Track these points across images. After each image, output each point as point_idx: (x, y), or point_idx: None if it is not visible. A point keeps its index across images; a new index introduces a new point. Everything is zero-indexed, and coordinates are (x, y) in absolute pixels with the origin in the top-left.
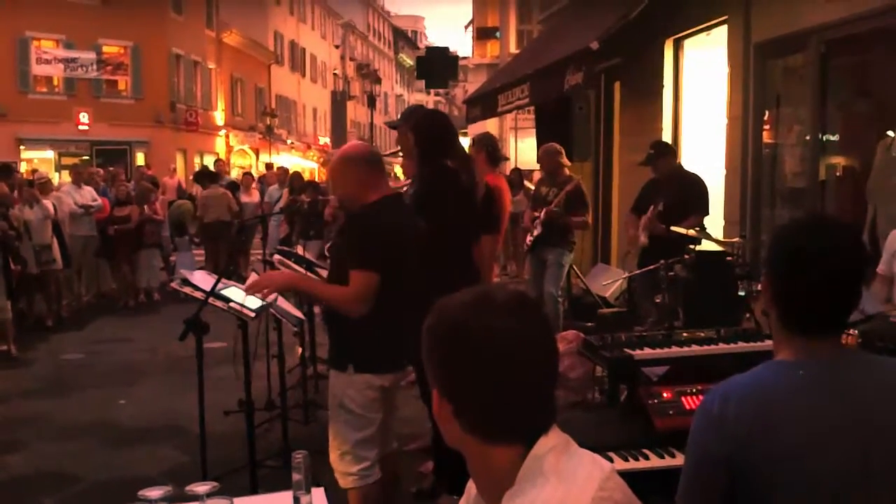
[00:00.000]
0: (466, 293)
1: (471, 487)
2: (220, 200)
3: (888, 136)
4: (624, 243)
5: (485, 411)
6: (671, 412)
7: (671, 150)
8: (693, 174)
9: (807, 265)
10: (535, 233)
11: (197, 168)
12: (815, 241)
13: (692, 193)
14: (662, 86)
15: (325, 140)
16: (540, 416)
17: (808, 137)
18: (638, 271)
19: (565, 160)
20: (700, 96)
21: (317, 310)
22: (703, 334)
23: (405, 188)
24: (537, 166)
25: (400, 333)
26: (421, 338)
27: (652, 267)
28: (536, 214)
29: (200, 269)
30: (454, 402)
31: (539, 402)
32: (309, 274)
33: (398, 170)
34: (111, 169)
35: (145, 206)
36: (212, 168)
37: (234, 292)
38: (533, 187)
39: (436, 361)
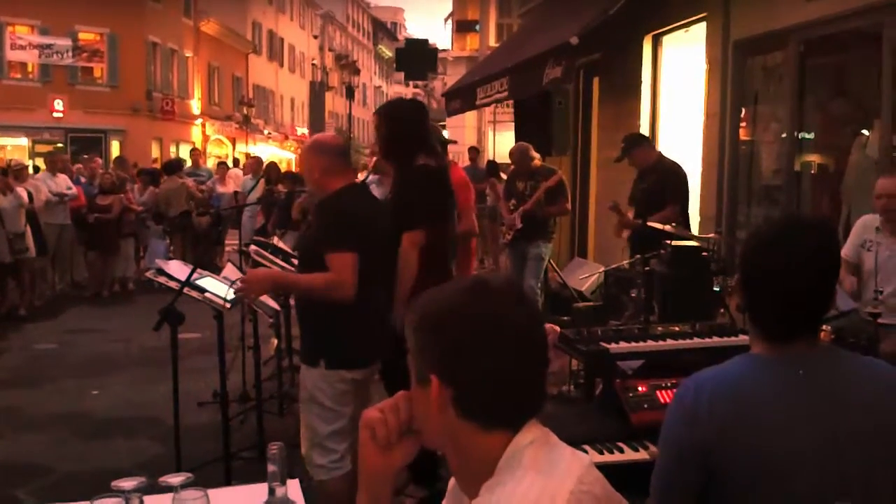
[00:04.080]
0: (460, 281)
1: (451, 481)
2: (179, 192)
3: (863, 135)
4: (602, 238)
5: (488, 397)
6: (646, 406)
7: (644, 140)
8: (671, 162)
9: (774, 280)
10: (516, 228)
11: (173, 157)
12: (783, 256)
13: (670, 182)
14: (641, 81)
15: (302, 130)
16: (536, 401)
17: (784, 135)
18: (613, 266)
19: (536, 156)
20: (678, 93)
21: (293, 301)
22: (678, 329)
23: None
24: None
25: (371, 328)
26: (413, 325)
27: (626, 262)
28: (513, 203)
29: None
30: (456, 387)
31: (537, 388)
32: (287, 266)
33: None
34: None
35: (122, 196)
36: (188, 158)
37: (210, 282)
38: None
39: (437, 348)
